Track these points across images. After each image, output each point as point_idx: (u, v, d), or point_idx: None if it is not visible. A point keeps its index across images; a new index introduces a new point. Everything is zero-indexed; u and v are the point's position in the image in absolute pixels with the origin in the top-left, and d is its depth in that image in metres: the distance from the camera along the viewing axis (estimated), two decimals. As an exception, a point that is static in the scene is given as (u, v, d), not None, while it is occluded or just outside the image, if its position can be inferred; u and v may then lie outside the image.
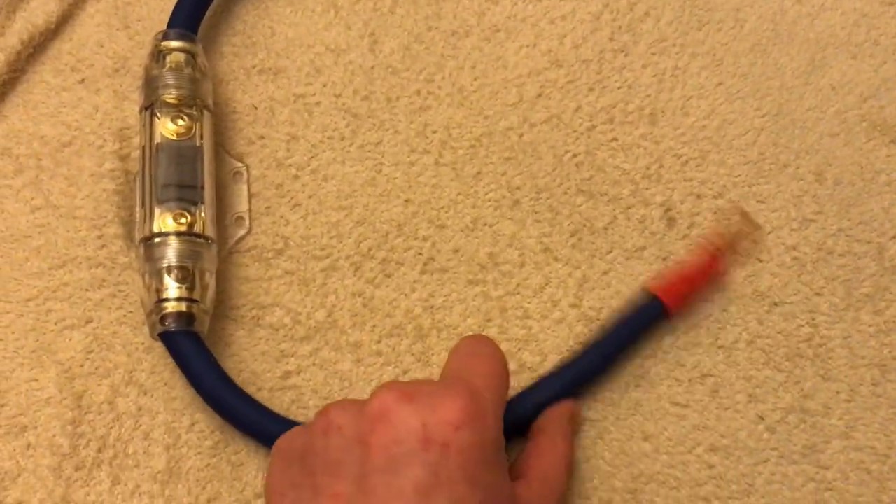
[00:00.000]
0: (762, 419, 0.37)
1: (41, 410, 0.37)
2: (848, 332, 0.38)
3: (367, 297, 0.39)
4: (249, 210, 0.40)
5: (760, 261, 0.39)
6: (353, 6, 0.44)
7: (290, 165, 0.41)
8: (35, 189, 0.40)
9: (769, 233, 0.40)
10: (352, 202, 0.40)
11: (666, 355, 0.38)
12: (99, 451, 0.36)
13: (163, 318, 0.35)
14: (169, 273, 0.35)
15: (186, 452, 0.36)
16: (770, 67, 0.43)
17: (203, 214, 0.37)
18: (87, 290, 0.39)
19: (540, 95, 0.42)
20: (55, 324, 0.38)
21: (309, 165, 0.41)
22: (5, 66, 0.41)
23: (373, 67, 0.43)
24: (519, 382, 0.37)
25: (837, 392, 0.37)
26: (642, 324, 0.37)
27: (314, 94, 0.42)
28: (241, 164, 0.40)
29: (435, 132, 0.42)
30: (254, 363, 0.38)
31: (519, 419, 0.35)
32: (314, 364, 0.38)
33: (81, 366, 0.37)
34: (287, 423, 0.35)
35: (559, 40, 0.43)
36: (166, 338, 0.35)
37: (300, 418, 0.37)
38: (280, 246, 0.39)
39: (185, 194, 0.36)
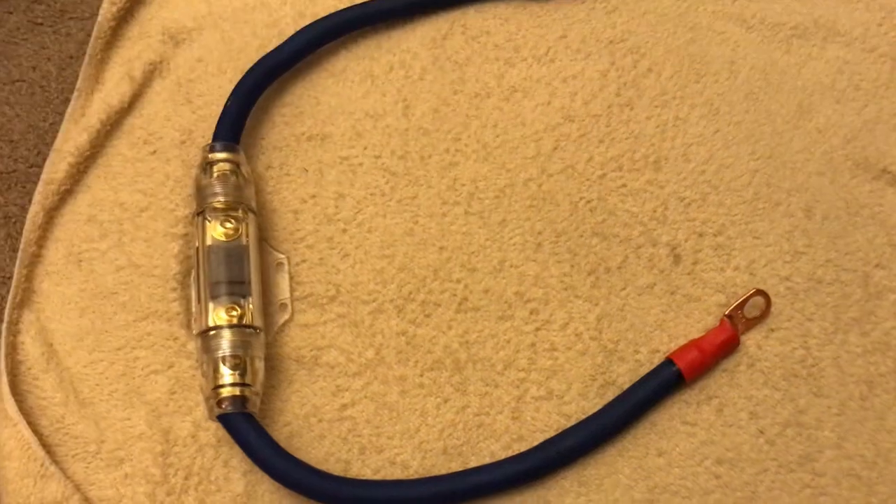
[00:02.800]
0: (762, 433, 0.42)
1: (135, 445, 0.42)
2: (837, 352, 0.43)
3: (409, 336, 0.44)
4: (291, 297, 0.45)
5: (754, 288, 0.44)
6: (387, 75, 0.49)
7: (339, 220, 0.47)
8: (119, 251, 0.46)
9: (764, 265, 0.45)
10: (393, 251, 0.46)
11: (675, 379, 0.43)
12: (186, 478, 0.42)
13: (220, 402, 0.40)
14: (224, 362, 0.40)
15: (261, 477, 0.42)
16: (762, 114, 0.48)
17: (251, 306, 0.42)
18: (167, 339, 0.44)
19: (556, 148, 0.48)
20: (142, 369, 0.44)
21: (355, 220, 0.47)
22: (87, 143, 0.47)
23: (406, 130, 0.48)
24: (547, 408, 0.42)
25: (829, 407, 0.42)
26: (660, 389, 0.42)
27: (357, 156, 0.48)
28: (282, 256, 0.45)
29: (463, 185, 0.47)
30: (314, 398, 0.43)
31: (545, 464, 0.41)
32: (366, 397, 0.43)
33: (167, 405, 0.43)
34: (328, 478, 0.40)
35: (571, 98, 0.49)
36: (224, 420, 0.40)
37: (355, 446, 0.42)
38: (332, 293, 0.45)
39: (235, 289, 0.42)
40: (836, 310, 0.44)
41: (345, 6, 0.49)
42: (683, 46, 0.49)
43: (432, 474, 0.42)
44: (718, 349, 0.42)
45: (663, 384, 0.42)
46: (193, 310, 0.43)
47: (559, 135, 0.48)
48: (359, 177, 0.47)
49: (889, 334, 0.43)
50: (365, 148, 0.48)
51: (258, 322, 0.42)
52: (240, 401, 0.40)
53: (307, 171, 0.48)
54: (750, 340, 0.43)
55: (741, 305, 0.43)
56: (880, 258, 0.44)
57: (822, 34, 0.49)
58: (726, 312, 0.43)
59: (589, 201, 0.47)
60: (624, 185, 0.47)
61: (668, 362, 0.42)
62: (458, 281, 0.45)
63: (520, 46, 0.50)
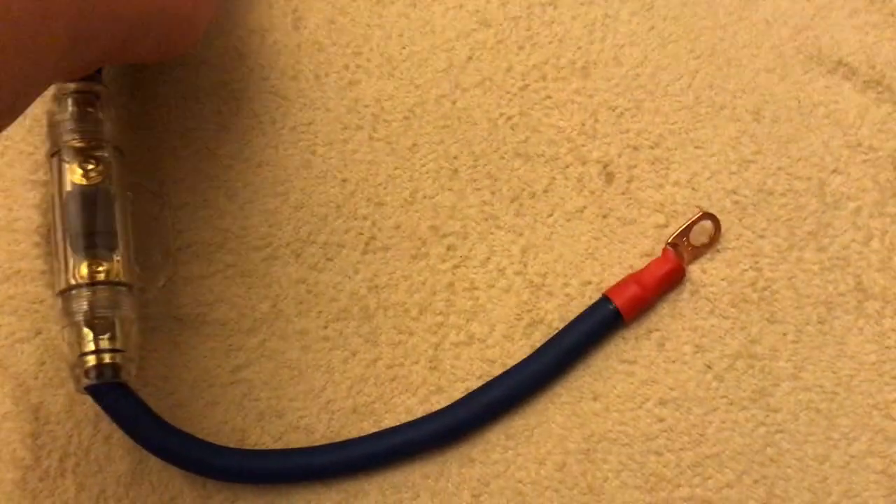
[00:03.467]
0: (710, 368, 0.37)
1: (0, 425, 0.37)
2: (792, 272, 0.38)
3: (310, 284, 0.39)
4: (172, 246, 0.39)
5: (701, 208, 0.39)
6: (273, -16, 0.43)
7: (222, 155, 0.41)
8: (-31, 205, 0.40)
9: (708, 178, 0.39)
10: (287, 187, 0.40)
11: (611, 313, 0.38)
12: (61, 460, 0.37)
13: (87, 372, 0.34)
14: (89, 325, 0.35)
15: (148, 453, 0.36)
16: (702, 6, 0.42)
17: (119, 259, 0.36)
18: (32, 301, 0.39)
19: (470, 58, 0.42)
20: (5, 338, 0.38)
21: (241, 154, 0.41)
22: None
23: (298, 45, 0.42)
24: (469, 355, 0.37)
25: (784, 334, 0.37)
26: (596, 330, 0.37)
27: (240, 80, 0.42)
28: (161, 200, 0.39)
29: (367, 106, 0.41)
30: (202, 360, 0.38)
31: (471, 419, 0.36)
32: (262, 356, 0.38)
33: (35, 378, 0.38)
34: (221, 451, 0.36)
35: (485, -1, 0.42)
36: (93, 391, 0.35)
37: (252, 412, 0.37)
38: (219, 239, 0.39)
39: (100, 241, 0.36)
40: (789, 224, 0.39)
41: None
42: (610, -68, 0.43)
43: (342, 437, 0.37)
44: (661, 282, 0.37)
45: (599, 324, 0.37)
46: (53, 268, 0.37)
47: (473, 42, 0.42)
48: (243, 103, 0.41)
49: (848, 248, 0.38)
50: (250, 70, 0.42)
51: (128, 277, 0.36)
52: (110, 369, 0.35)
53: (184, 99, 0.41)
54: (694, 265, 0.38)
55: (686, 231, 0.37)
56: (837, 163, 0.39)
57: (768, -90, 0.43)
58: (669, 240, 0.37)
59: (510, 118, 0.41)
60: (548, 97, 0.41)
61: (605, 300, 0.37)
62: (365, 217, 0.40)
63: (424, -58, 0.43)
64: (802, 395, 0.36)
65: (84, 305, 0.35)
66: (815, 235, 0.38)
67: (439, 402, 0.37)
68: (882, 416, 0.36)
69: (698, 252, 0.38)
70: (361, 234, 0.39)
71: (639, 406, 0.37)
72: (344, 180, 0.40)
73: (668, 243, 0.37)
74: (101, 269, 0.35)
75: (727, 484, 0.36)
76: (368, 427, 0.37)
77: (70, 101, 0.37)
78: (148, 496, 0.36)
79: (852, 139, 0.39)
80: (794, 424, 0.36)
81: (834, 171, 0.39)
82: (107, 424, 0.37)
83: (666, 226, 0.39)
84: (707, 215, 0.37)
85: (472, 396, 0.37)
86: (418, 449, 0.36)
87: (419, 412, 0.37)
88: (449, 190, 0.40)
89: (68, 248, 0.36)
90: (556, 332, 0.37)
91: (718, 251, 0.38)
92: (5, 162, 0.41)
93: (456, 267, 0.39)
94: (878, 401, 0.36)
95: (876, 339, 0.37)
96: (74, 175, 0.36)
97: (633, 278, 0.37)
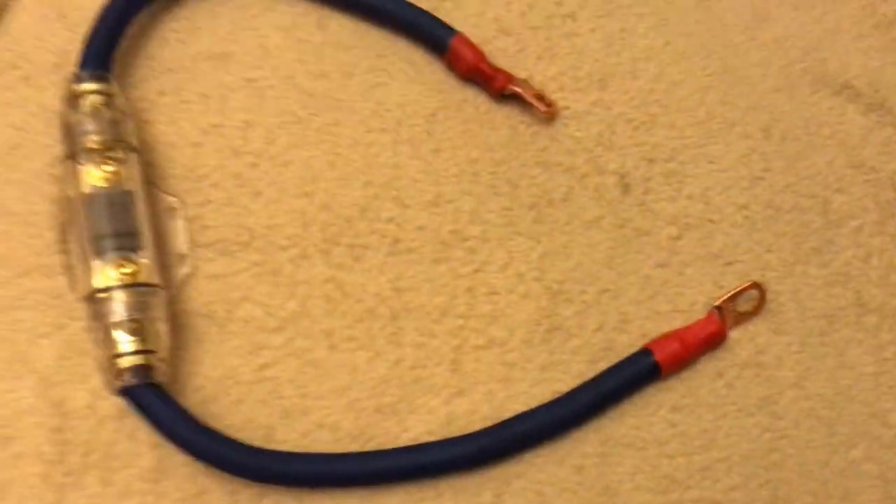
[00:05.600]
0: (720, 376, 0.39)
1: (23, 420, 0.37)
2: (797, 286, 0.40)
3: (337, 283, 0.39)
4: (191, 246, 0.39)
5: (712, 221, 0.41)
6: (297, -18, 0.43)
7: (248, 153, 0.41)
8: (-11, 197, 0.39)
9: (720, 193, 0.41)
10: (314, 187, 0.41)
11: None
12: (85, 455, 0.37)
13: (120, 374, 0.34)
14: (120, 328, 0.35)
15: (173, 450, 0.37)
16: (715, 24, 0.44)
17: (146, 261, 0.36)
18: (53, 296, 0.39)
19: (492, 66, 0.43)
20: (27, 332, 0.38)
21: (267, 152, 0.41)
22: (-59, 68, 0.40)
23: (323, 44, 0.42)
24: (489, 358, 0.39)
25: (789, 345, 0.39)
26: (633, 381, 0.38)
27: (266, 77, 0.42)
28: (174, 199, 0.39)
29: (389, 111, 0.42)
30: (228, 358, 0.38)
31: (490, 452, 0.37)
32: (288, 354, 0.39)
33: (58, 373, 0.38)
34: (260, 454, 0.36)
35: (506, 8, 0.43)
36: (127, 393, 0.35)
37: (278, 409, 0.38)
38: (245, 238, 0.40)
39: (124, 243, 0.36)
40: (795, 239, 0.41)
41: None
42: (630, -52, 0.44)
43: (366, 435, 0.38)
44: (702, 343, 0.38)
45: (636, 375, 0.38)
46: (76, 270, 0.37)
47: (494, 49, 0.43)
48: (269, 101, 0.41)
49: (849, 264, 0.40)
50: (275, 67, 0.42)
51: (156, 278, 0.36)
52: (143, 370, 0.35)
53: (208, 96, 0.41)
54: (706, 276, 0.40)
55: (734, 297, 0.39)
56: (840, 182, 0.41)
57: (780, -67, 0.45)
58: (716, 303, 0.39)
59: (530, 126, 0.42)
60: (567, 108, 0.42)
61: (646, 352, 0.38)
62: (389, 220, 0.40)
63: (448, -52, 0.44)
64: (805, 403, 0.39)
65: (114, 308, 0.35)
66: (819, 251, 0.40)
67: (460, 405, 0.38)
68: (879, 424, 0.38)
69: (742, 318, 0.39)
70: (385, 236, 0.40)
71: (653, 413, 0.38)
72: (367, 182, 0.41)
73: (715, 306, 0.39)
74: (128, 271, 0.36)
75: (734, 487, 0.38)
76: (392, 427, 0.38)
77: (83, 102, 0.37)
78: (174, 492, 0.37)
79: (855, 159, 0.42)
80: (796, 431, 0.38)
81: (837, 189, 0.41)
82: (131, 420, 0.37)
83: (679, 238, 0.40)
84: (755, 285, 0.39)
85: (502, 427, 0.37)
86: (444, 469, 0.37)
87: (441, 414, 0.38)
88: (470, 194, 0.41)
89: (92, 252, 0.36)
90: (595, 376, 0.38)
91: (730, 263, 0.40)
92: (23, 154, 0.40)
93: (476, 271, 0.40)
94: (876, 409, 0.38)
95: (874, 351, 0.39)
96: (92, 177, 0.36)
97: (677, 335, 0.38)
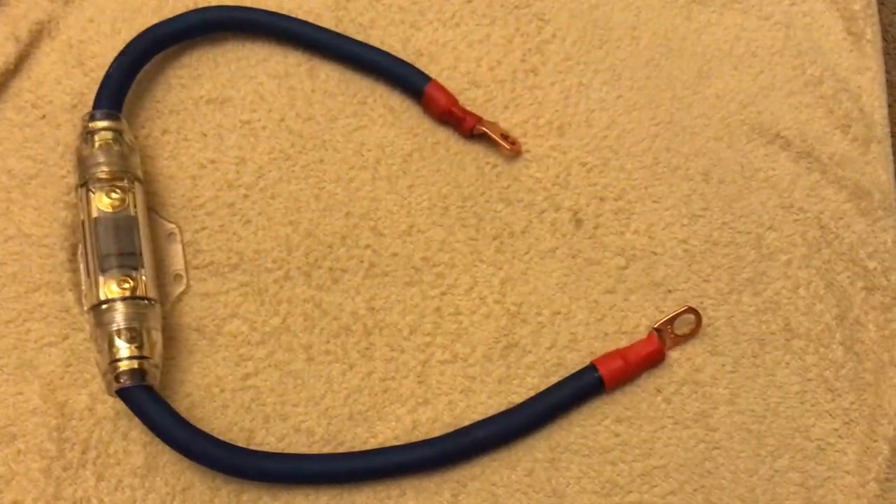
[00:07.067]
0: (659, 392, 0.43)
1: (28, 420, 0.41)
2: (731, 312, 0.44)
3: (316, 302, 0.44)
4: (186, 267, 0.44)
5: (655, 253, 0.45)
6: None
7: (240, 186, 0.46)
8: (7, 220, 0.44)
9: (663, 229, 0.46)
10: (298, 217, 0.45)
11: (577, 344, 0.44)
12: (83, 452, 0.41)
13: (118, 377, 0.39)
14: (119, 335, 0.39)
15: (162, 449, 0.41)
16: (663, 80, 0.49)
17: (144, 278, 0.41)
18: (60, 310, 0.43)
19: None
20: (35, 342, 0.42)
21: (257, 185, 0.46)
22: (-30, 106, 0.45)
23: (312, 91, 0.47)
24: (452, 371, 0.43)
25: (723, 365, 0.43)
26: (580, 393, 0.42)
27: (259, 119, 0.47)
28: (172, 225, 0.44)
29: (370, 150, 0.47)
30: (216, 368, 0.43)
31: (449, 455, 0.41)
32: (270, 365, 0.43)
33: (62, 378, 0.42)
34: (242, 453, 0.40)
35: (476, 63, 0.48)
36: (123, 393, 0.39)
37: (259, 415, 0.42)
38: (234, 261, 0.44)
39: (126, 261, 0.40)
40: (730, 271, 0.45)
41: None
42: (587, 12, 0.50)
43: (338, 440, 0.42)
44: (643, 361, 0.42)
45: (582, 388, 0.42)
46: (83, 285, 0.42)
47: (465, 100, 0.48)
48: (261, 141, 0.46)
49: (779, 294, 0.45)
50: (268, 111, 0.47)
51: (152, 293, 0.41)
52: (138, 373, 0.39)
53: (206, 135, 0.46)
54: (648, 303, 0.44)
55: (671, 320, 0.43)
56: (772, 220, 0.46)
57: (721, 0, 0.50)
58: (655, 326, 0.43)
59: (495, 166, 0.47)
60: (528, 151, 0.47)
61: (592, 368, 0.42)
62: (366, 247, 0.45)
63: (425, 10, 0.49)
64: (737, 417, 0.43)
65: (115, 318, 0.40)
66: (752, 282, 0.45)
67: (425, 413, 0.42)
68: (802, 438, 0.42)
69: (679, 340, 0.43)
70: (363, 261, 0.45)
71: (598, 423, 0.42)
72: (348, 213, 0.45)
73: (654, 328, 0.43)
74: (128, 286, 0.40)
75: (671, 491, 0.41)
76: (362, 432, 0.42)
77: (96, 138, 0.42)
78: (162, 487, 0.41)
79: (786, 201, 0.46)
80: (728, 442, 0.42)
81: (769, 227, 0.46)
82: (125, 422, 0.41)
83: (625, 267, 0.45)
84: (691, 310, 0.43)
85: (460, 433, 0.41)
86: (406, 471, 0.41)
87: (407, 421, 0.42)
88: (440, 226, 0.46)
89: (98, 269, 0.40)
90: (546, 389, 0.42)
91: (670, 291, 0.44)
92: (39, 183, 0.45)
93: (443, 294, 0.44)
94: (800, 424, 0.42)
95: (800, 372, 0.43)
96: (101, 203, 0.41)
97: (620, 353, 0.42)
